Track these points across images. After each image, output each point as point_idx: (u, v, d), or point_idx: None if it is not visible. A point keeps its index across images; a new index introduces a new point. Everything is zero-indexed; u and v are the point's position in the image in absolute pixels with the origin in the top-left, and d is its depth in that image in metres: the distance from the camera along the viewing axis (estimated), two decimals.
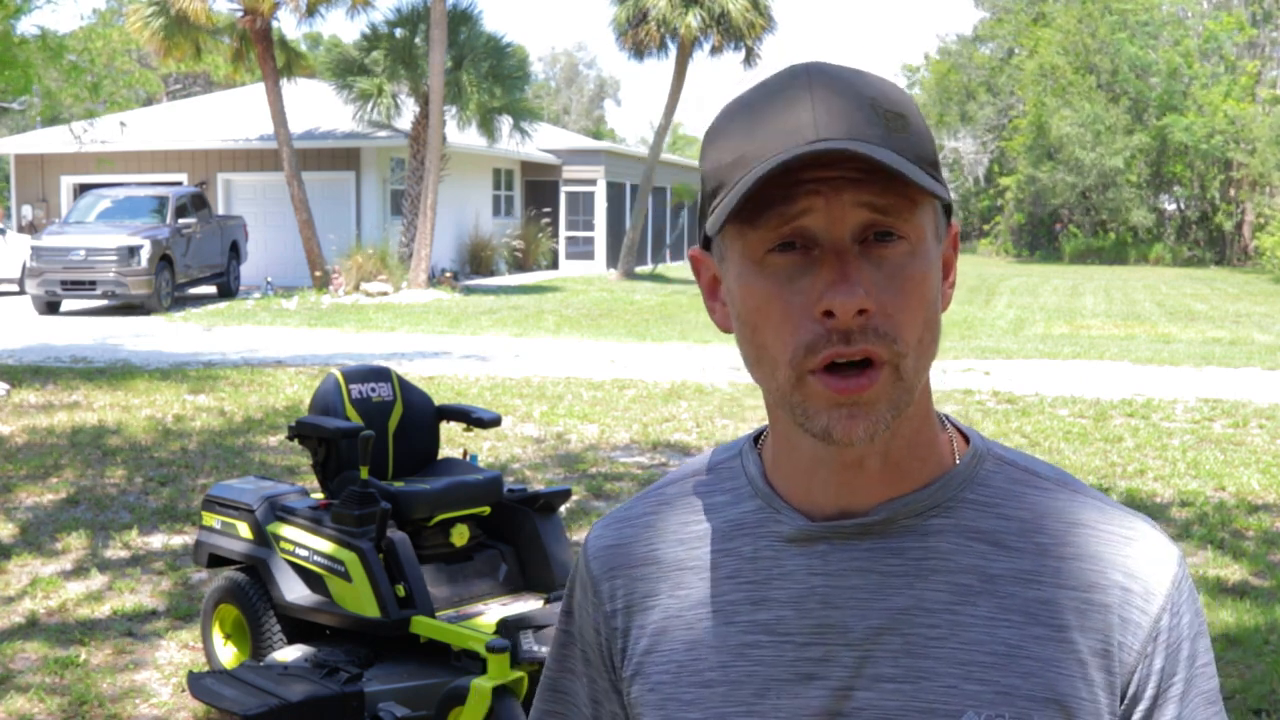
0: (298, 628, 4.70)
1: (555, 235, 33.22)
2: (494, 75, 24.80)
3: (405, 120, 25.20)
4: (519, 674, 3.99)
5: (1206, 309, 23.14)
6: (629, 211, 32.31)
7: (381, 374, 5.07)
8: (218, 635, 4.93)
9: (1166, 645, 1.00)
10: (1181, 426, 10.28)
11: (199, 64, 28.76)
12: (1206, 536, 6.93)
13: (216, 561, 5.01)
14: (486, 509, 4.89)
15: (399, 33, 25.08)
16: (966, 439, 1.07)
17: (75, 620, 5.59)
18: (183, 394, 11.59)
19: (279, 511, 4.73)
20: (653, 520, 1.12)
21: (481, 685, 3.91)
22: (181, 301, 21.58)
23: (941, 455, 1.05)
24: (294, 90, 25.24)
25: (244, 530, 4.79)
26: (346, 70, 24.54)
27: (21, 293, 23.06)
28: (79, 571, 6.30)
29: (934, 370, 1.03)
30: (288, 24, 62.06)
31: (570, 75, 76.59)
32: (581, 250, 33.61)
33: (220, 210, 26.12)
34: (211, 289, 23.09)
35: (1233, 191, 44.29)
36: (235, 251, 23.24)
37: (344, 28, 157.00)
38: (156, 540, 6.86)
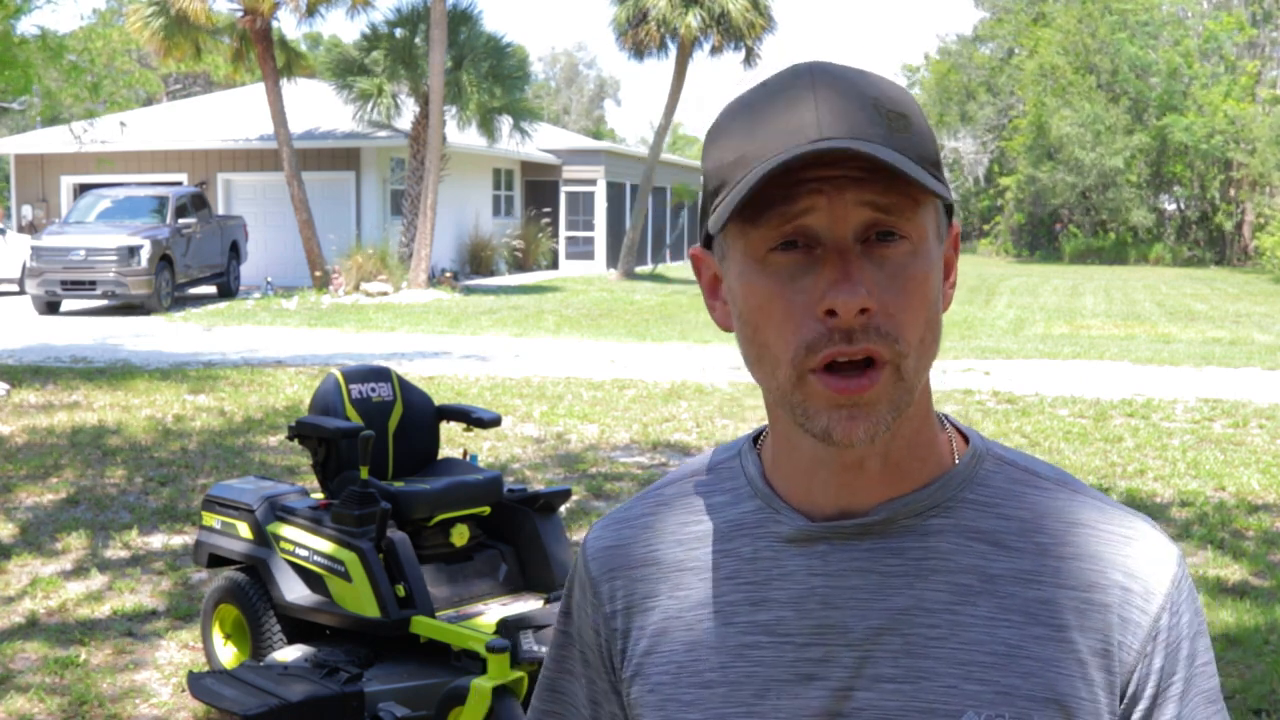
0: (298, 628, 4.70)
1: (555, 235, 33.21)
2: (494, 75, 24.80)
3: (405, 120, 25.20)
4: (519, 674, 3.99)
5: (1206, 309, 23.14)
6: (629, 211, 32.31)
7: (381, 374, 5.07)
8: (218, 635, 4.93)
9: (1166, 644, 1.00)
10: (1181, 426, 10.28)
11: (199, 64, 28.76)
12: (1206, 536, 6.93)
13: (216, 561, 5.01)
14: (486, 509, 4.89)
15: (399, 33, 25.08)
16: (966, 439, 1.07)
17: (75, 620, 5.59)
18: (183, 394, 11.59)
19: (279, 511, 4.73)
20: (652, 521, 1.12)
21: (481, 685, 3.91)
22: (181, 301, 21.58)
23: (941, 455, 1.05)
24: (294, 90, 25.24)
25: (244, 530, 4.79)
26: (346, 70, 24.54)
27: (21, 293, 23.05)
28: (79, 571, 6.30)
29: (934, 370, 1.03)
30: (288, 24, 62.17)
31: (570, 75, 76.58)
32: (581, 250, 33.61)
33: (220, 210, 26.12)
34: (211, 289, 23.08)
35: (1233, 191, 44.29)
36: (235, 251, 23.23)
37: (344, 28, 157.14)
38: (156, 540, 6.86)
